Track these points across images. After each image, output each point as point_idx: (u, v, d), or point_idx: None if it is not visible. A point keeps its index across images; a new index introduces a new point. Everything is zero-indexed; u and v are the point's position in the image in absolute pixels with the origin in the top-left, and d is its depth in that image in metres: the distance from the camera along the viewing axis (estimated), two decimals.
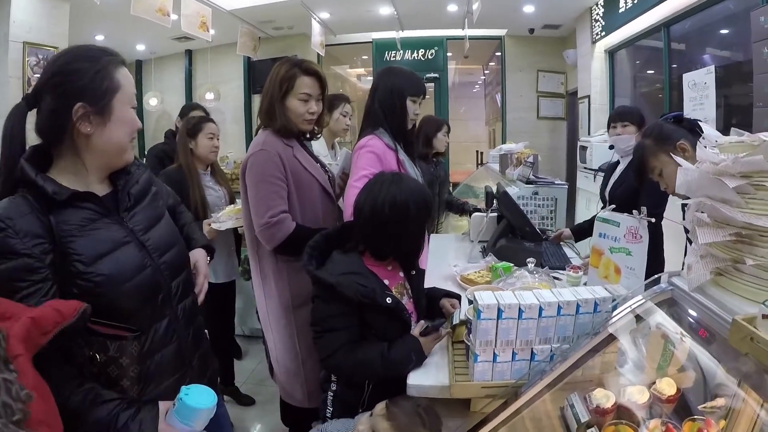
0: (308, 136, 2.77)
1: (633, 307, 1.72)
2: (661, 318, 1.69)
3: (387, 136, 2.74)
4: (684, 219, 1.73)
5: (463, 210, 4.51)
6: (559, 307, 1.71)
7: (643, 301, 1.72)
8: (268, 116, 2.60)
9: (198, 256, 1.99)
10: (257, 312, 4.29)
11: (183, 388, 1.40)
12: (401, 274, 2.19)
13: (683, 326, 1.59)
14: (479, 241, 3.67)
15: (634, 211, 2.10)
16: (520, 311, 1.68)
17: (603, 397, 1.62)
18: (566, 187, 4.83)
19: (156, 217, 1.72)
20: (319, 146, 3.77)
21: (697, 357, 1.56)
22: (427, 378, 1.94)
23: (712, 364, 1.50)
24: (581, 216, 6.99)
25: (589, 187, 6.71)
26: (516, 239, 3.41)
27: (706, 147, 1.57)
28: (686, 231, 1.76)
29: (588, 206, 6.67)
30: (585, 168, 6.99)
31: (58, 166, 1.50)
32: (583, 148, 7.09)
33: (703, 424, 1.45)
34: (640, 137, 2.68)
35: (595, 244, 2.32)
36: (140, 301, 1.56)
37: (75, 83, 1.41)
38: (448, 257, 3.49)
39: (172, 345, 1.67)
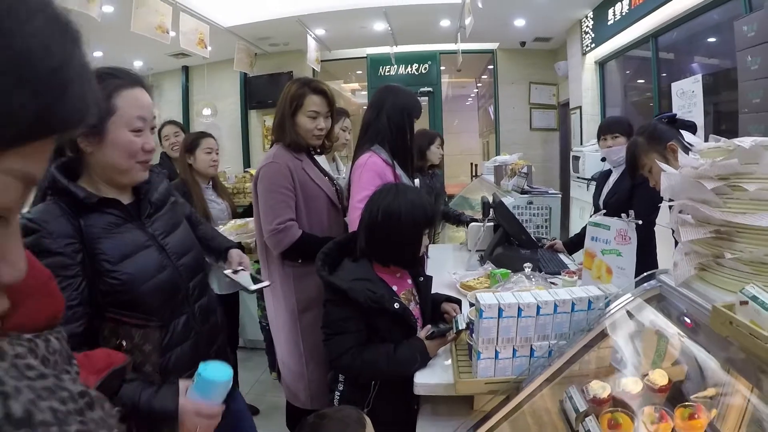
0: (318, 150, 2.92)
1: (624, 303, 1.83)
2: (651, 313, 1.79)
3: (384, 152, 2.86)
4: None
5: (460, 221, 4.61)
6: (556, 306, 1.82)
7: (634, 297, 1.83)
8: (279, 131, 2.76)
9: (236, 253, 2.18)
10: (260, 321, 4.40)
11: (201, 364, 1.49)
12: (409, 281, 2.30)
13: (672, 319, 1.69)
14: (477, 250, 3.78)
15: (622, 215, 2.22)
16: (519, 310, 1.79)
17: (599, 388, 1.71)
18: (560, 196, 4.95)
19: (174, 224, 1.87)
20: (320, 161, 3.89)
21: (689, 351, 1.66)
22: (433, 377, 2.04)
23: (704, 358, 1.60)
24: (575, 224, 7.10)
25: (582, 196, 6.82)
26: (512, 247, 3.52)
27: (688, 153, 1.69)
28: (673, 232, 1.88)
29: (582, 215, 6.78)
30: (578, 177, 7.10)
31: (83, 177, 1.64)
32: (576, 158, 7.20)
33: (695, 409, 1.55)
34: (635, 134, 2.80)
35: (587, 247, 2.43)
36: (161, 299, 1.70)
37: None
38: (447, 266, 3.58)
39: (190, 340, 1.81)
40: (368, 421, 1.72)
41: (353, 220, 2.63)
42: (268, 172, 2.69)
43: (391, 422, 1.91)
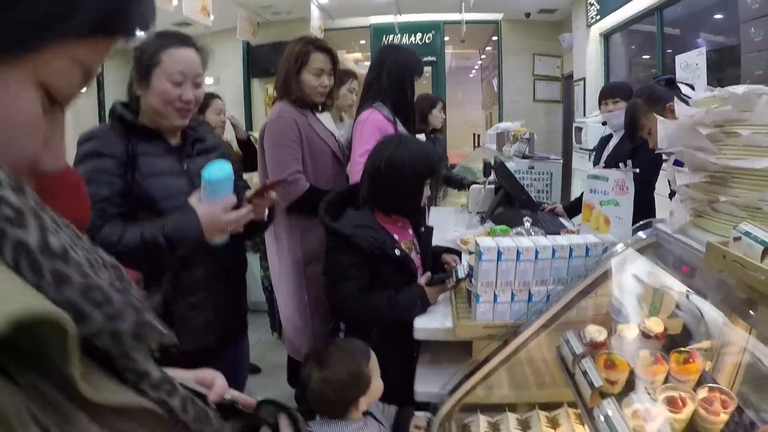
0: (320, 108, 2.97)
1: (622, 250, 1.87)
2: (648, 260, 1.83)
3: (386, 109, 2.91)
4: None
5: (461, 185, 4.63)
6: (554, 251, 1.87)
7: (631, 244, 1.87)
8: (284, 88, 2.82)
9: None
10: (262, 281, 4.44)
11: (203, 171, 1.76)
12: (411, 231, 2.35)
13: (668, 266, 1.73)
14: (477, 212, 3.81)
15: (620, 164, 2.26)
16: (518, 253, 1.84)
17: (596, 332, 1.75)
18: (561, 161, 4.97)
19: None
20: (327, 122, 3.93)
21: (685, 303, 1.69)
22: (433, 322, 2.10)
23: (700, 310, 1.64)
24: (577, 194, 7.10)
25: (584, 167, 6.79)
26: (513, 207, 3.55)
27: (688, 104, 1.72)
28: (670, 184, 1.91)
29: (584, 185, 6.77)
30: (581, 149, 7.10)
31: (138, 118, 1.94)
32: (579, 129, 7.20)
33: (689, 354, 1.58)
34: (634, 96, 2.83)
35: (586, 200, 2.48)
36: None
37: (136, 55, 1.86)
38: (448, 227, 3.62)
39: (206, 266, 1.98)
40: (373, 354, 1.78)
41: (355, 173, 2.67)
42: (275, 127, 2.75)
43: (392, 373, 1.95)
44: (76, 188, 0.91)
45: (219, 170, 1.76)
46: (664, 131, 1.72)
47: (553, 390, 2.05)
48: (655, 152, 2.79)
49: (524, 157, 4.93)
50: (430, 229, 2.40)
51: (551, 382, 2.06)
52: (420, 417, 1.94)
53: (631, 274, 1.88)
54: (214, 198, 1.76)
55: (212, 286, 2.01)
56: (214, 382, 0.84)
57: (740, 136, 1.49)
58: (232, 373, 2.29)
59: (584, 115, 8.13)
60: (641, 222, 1.89)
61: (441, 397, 1.98)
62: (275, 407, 0.83)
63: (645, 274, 1.85)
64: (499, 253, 1.83)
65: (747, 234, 1.30)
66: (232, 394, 0.84)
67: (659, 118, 1.82)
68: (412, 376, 2.12)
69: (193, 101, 1.91)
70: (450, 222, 3.87)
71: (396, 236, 2.23)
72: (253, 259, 4.76)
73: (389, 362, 2.07)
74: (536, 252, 1.85)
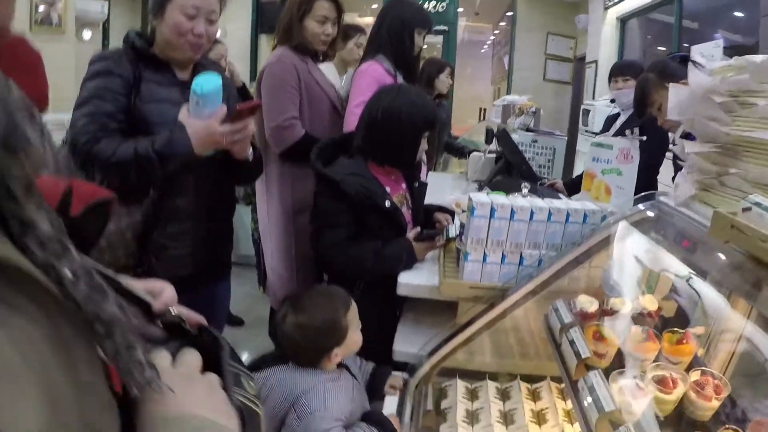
0: (321, 58, 2.91)
1: (621, 221, 1.80)
2: (647, 233, 1.76)
3: (387, 62, 2.86)
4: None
5: (462, 152, 4.58)
6: (550, 213, 1.79)
7: (631, 215, 1.79)
8: (285, 34, 2.76)
9: None
10: (252, 234, 4.38)
11: (193, 84, 1.77)
12: (404, 185, 2.28)
13: (668, 240, 1.66)
14: (475, 180, 3.74)
15: (626, 131, 2.18)
16: (512, 212, 1.77)
17: (587, 302, 1.68)
18: (565, 138, 4.88)
19: None
20: (330, 74, 3.85)
21: (683, 286, 1.62)
22: (418, 278, 2.04)
23: (697, 293, 1.56)
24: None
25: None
26: (512, 177, 3.47)
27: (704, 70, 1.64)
28: (676, 158, 1.84)
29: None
30: (587, 131, 7.01)
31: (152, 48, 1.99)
32: (586, 112, 7.11)
33: (683, 335, 1.51)
34: (646, 71, 2.76)
35: (588, 168, 2.41)
36: None
37: None
38: (444, 192, 3.55)
39: (191, 197, 1.97)
40: (354, 305, 1.71)
41: (350, 123, 2.62)
42: (274, 71, 2.70)
43: (373, 329, 1.88)
44: (32, 67, 0.86)
45: (209, 82, 1.76)
46: (675, 98, 1.64)
47: (537, 362, 2.01)
48: (664, 132, 2.73)
49: (528, 130, 4.83)
50: (423, 185, 2.34)
51: (535, 353, 2.01)
52: (396, 377, 1.89)
53: (629, 247, 1.81)
54: (204, 110, 1.77)
55: (195, 219, 1.98)
56: (162, 293, 0.77)
57: (756, 107, 1.42)
58: (205, 314, 2.24)
59: (593, 98, 8.02)
60: (643, 194, 1.81)
61: (419, 358, 1.93)
62: (213, 337, 0.76)
63: (643, 249, 1.78)
64: (492, 210, 1.75)
65: (758, 204, 1.23)
66: (179, 309, 0.77)
67: (671, 84, 1.74)
68: (394, 333, 2.06)
69: (206, 36, 1.92)
70: (447, 187, 3.81)
71: (388, 188, 2.16)
72: (245, 212, 4.71)
73: (371, 317, 1.99)
74: (531, 212, 1.78)
